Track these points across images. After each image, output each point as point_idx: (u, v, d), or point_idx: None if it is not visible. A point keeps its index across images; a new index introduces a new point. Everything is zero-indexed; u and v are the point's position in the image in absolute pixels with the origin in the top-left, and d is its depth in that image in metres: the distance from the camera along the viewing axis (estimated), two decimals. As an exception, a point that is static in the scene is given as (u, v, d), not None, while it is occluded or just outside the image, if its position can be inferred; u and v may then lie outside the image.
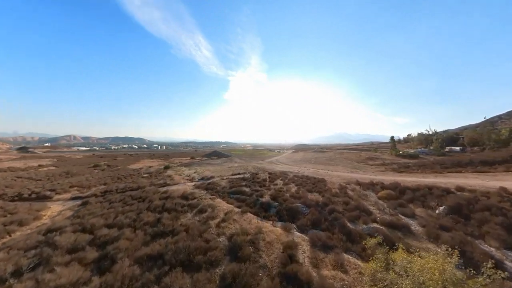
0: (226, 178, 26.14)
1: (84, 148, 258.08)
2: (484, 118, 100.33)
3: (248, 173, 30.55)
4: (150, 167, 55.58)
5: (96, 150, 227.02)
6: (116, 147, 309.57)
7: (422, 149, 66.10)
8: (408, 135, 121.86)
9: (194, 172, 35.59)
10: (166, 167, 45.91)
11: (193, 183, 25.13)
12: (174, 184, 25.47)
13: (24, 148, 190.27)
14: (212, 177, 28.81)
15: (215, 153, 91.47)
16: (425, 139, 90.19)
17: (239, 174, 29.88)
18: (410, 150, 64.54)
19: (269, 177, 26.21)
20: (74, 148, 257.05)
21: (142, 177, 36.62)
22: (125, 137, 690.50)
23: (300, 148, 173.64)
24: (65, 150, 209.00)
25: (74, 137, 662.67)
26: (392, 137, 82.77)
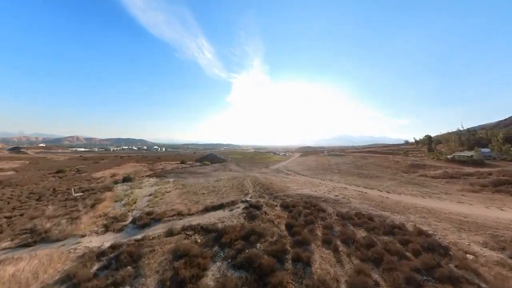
0: (185, 227, 10.76)
1: (82, 149, 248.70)
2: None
3: (242, 201, 15.26)
4: (113, 175, 40.68)
5: (94, 151, 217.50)
6: (116, 148, 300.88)
7: (483, 151, 49.13)
8: (425, 136, 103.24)
9: (150, 195, 20.29)
10: (126, 179, 30.90)
11: (87, 249, 9.85)
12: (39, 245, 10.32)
13: (16, 148, 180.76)
14: (161, 217, 13.39)
15: (210, 156, 76.55)
16: (467, 140, 73.53)
17: (222, 207, 14.36)
18: (467, 153, 47.93)
19: (286, 225, 10.71)
20: (70, 149, 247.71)
21: (69, 199, 21.76)
22: (128, 138, 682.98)
23: (308, 151, 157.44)
24: (59, 151, 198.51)
25: (77, 138, 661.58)
26: (430, 137, 66.35)
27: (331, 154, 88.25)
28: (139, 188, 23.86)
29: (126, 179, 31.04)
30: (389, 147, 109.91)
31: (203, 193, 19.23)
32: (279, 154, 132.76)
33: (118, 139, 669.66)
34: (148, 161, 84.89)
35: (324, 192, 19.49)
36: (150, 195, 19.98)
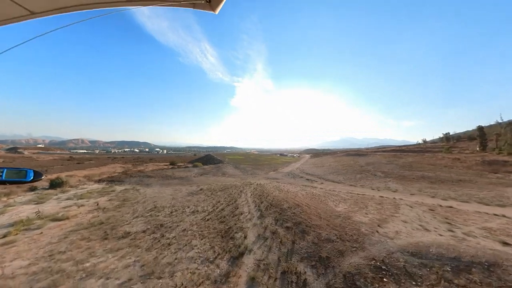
0: None
1: (82, 151, 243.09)
2: None
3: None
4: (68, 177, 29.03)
5: (94, 153, 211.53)
6: (117, 151, 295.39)
7: None
8: (445, 133, 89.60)
9: (13, 225, 8.40)
10: (54, 184, 19.15)
11: None
12: None
13: (13, 149, 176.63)
14: None
15: (206, 157, 65.06)
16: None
17: None
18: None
19: None
20: (70, 150, 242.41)
21: None
22: (131, 141, 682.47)
23: (317, 153, 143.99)
24: (57, 152, 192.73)
25: (82, 141, 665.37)
26: (482, 129, 52.98)
27: (349, 154, 74.77)
28: (39, 203, 11.84)
29: (55, 184, 19.28)
30: (415, 146, 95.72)
31: (122, 237, 6.93)
32: (287, 155, 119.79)
33: (122, 141, 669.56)
34: (135, 162, 74.35)
35: (452, 234, 6.88)
36: (13, 225, 7.93)
